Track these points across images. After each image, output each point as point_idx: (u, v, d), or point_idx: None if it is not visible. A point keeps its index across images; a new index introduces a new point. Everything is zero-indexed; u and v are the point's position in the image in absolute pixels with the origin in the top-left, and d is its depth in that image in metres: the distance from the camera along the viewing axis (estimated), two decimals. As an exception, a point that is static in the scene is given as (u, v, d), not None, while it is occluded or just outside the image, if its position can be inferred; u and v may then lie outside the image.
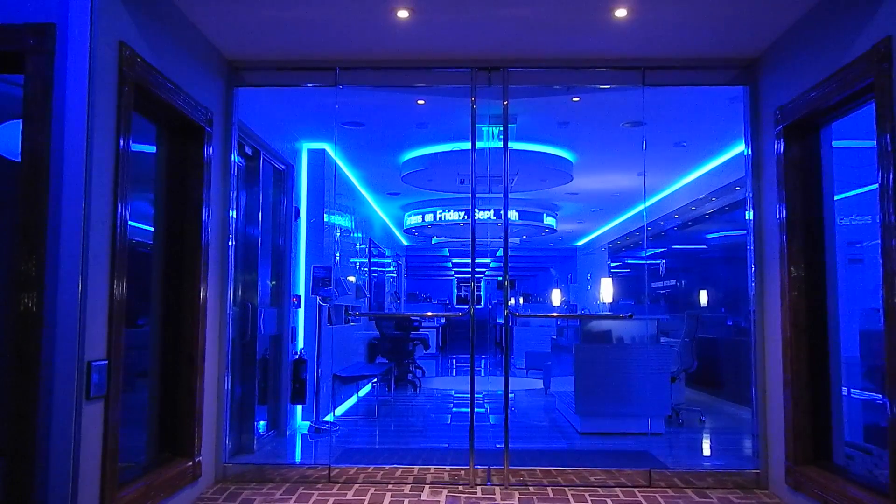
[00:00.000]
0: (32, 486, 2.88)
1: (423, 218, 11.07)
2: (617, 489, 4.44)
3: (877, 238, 3.24)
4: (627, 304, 12.93)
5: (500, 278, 5.31)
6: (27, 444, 2.88)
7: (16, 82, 3.06)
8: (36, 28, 3.00)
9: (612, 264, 14.13)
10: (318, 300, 6.48)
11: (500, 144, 5.00)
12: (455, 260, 19.28)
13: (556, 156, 7.57)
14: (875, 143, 3.25)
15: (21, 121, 2.99)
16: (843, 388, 4.16)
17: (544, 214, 11.04)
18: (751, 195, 4.68)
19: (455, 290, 24.17)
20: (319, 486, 4.49)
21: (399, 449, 5.77)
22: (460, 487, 4.48)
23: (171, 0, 3.84)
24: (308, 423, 6.35)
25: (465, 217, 10.36)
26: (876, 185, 3.24)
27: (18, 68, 3.01)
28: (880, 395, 3.38)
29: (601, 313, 11.84)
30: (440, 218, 10.80)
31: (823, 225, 4.16)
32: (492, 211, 9.33)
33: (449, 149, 7.43)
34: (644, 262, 11.43)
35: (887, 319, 3.16)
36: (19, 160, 2.98)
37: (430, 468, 4.63)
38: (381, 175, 8.76)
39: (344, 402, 7.76)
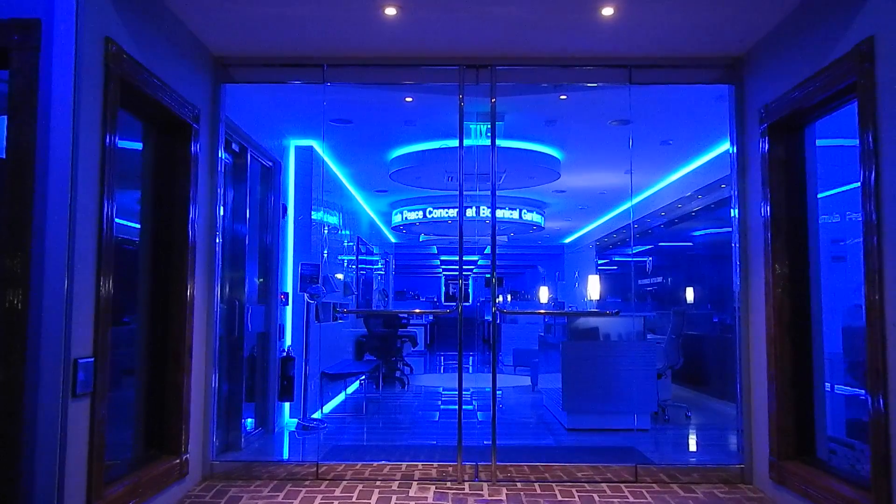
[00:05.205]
0: (18, 484, 2.86)
1: (425, 214, 11.06)
2: (603, 484, 4.47)
3: (859, 236, 3.29)
4: (614, 302, 13.00)
5: (488, 275, 5.33)
6: (13, 442, 2.87)
7: (0, 78, 3.03)
8: (21, 23, 2.98)
9: (600, 262, 14.19)
10: (305, 297, 6.47)
11: (488, 142, 5.02)
12: (443, 257, 19.28)
13: (544, 153, 7.59)
14: (857, 141, 3.29)
15: (6, 117, 2.97)
16: (827, 384, 4.21)
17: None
18: (736, 193, 4.72)
19: (443, 288, 24.16)
20: (307, 483, 4.49)
21: (387, 446, 5.78)
22: (448, 484, 4.49)
23: (157, -4, 3.82)
24: (296, 420, 6.35)
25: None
26: (858, 184, 3.28)
27: (3, 64, 2.99)
28: (863, 391, 3.43)
29: (588, 310, 11.89)
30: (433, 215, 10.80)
31: (807, 223, 4.21)
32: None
33: (437, 146, 7.43)
34: (631, 259, 11.47)
35: (869, 316, 3.20)
36: (4, 156, 2.96)
37: (417, 465, 4.65)
38: (368, 172, 8.75)
39: (332, 399, 7.76)
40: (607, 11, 3.98)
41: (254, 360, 5.85)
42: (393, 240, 15.43)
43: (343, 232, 9.14)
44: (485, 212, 8.82)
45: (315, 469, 4.59)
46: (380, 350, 9.45)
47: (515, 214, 10.90)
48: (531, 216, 11.08)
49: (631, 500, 4.18)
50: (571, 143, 7.34)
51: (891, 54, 3.10)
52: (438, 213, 10.82)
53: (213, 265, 4.64)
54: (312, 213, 7.00)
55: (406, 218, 11.29)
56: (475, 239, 7.88)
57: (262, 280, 6.03)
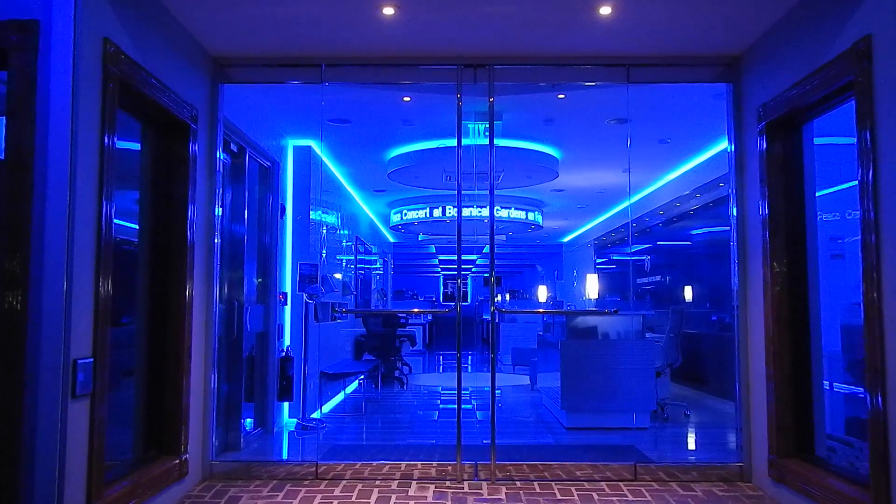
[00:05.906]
0: (18, 485, 2.86)
1: (401, 216, 11.06)
2: (603, 483, 4.48)
3: (857, 234, 3.29)
4: (613, 301, 13.00)
5: (487, 275, 5.33)
6: (12, 443, 2.86)
7: (-1, 79, 3.03)
8: (19, 24, 2.98)
9: (598, 260, 14.19)
10: (304, 297, 6.47)
11: (486, 141, 5.02)
12: (441, 257, 19.28)
13: (542, 153, 7.59)
14: (855, 140, 3.30)
15: (4, 118, 2.97)
16: (825, 382, 4.22)
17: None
18: (734, 191, 4.72)
19: (442, 287, 24.15)
20: (307, 482, 4.49)
21: (386, 445, 5.78)
22: (447, 483, 4.50)
23: (155, -4, 3.82)
24: (295, 420, 6.35)
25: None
26: (856, 182, 3.29)
27: (2, 65, 2.99)
28: (861, 389, 3.44)
29: (587, 309, 11.90)
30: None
31: (805, 221, 4.22)
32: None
33: (435, 146, 7.43)
34: (629, 258, 11.49)
35: (867, 314, 3.20)
36: (2, 157, 2.96)
37: (417, 464, 4.65)
38: (367, 172, 8.74)
39: (331, 399, 7.76)
40: (605, 10, 3.98)
41: (253, 360, 5.85)
42: (391, 239, 15.43)
43: (341, 231, 9.14)
44: (451, 211, 8.79)
45: (314, 469, 4.60)
46: (379, 350, 9.45)
47: (506, 213, 10.86)
48: (507, 212, 10.95)
49: (630, 498, 4.19)
50: (570, 142, 7.35)
51: (889, 53, 3.11)
52: (413, 215, 10.83)
53: (212, 265, 4.64)
54: (311, 212, 7.00)
55: (391, 220, 11.30)
56: (473, 238, 7.89)
57: (260, 280, 6.03)
